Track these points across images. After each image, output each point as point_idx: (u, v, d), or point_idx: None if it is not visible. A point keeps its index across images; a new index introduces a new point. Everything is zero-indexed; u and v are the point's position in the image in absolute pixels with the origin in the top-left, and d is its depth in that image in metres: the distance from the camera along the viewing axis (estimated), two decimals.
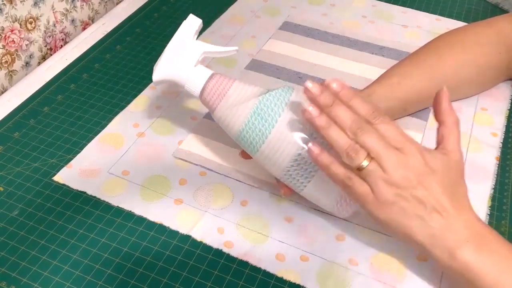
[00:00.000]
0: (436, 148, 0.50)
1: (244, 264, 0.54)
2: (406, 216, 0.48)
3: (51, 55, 0.83)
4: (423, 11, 0.91)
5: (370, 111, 0.49)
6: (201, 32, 0.62)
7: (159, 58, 0.59)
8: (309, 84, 0.49)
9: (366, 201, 0.49)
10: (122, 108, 0.71)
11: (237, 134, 0.55)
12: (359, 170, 0.48)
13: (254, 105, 0.53)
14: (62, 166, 0.63)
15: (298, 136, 0.52)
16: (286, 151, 0.52)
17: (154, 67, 0.59)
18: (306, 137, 0.52)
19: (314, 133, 0.52)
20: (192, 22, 0.58)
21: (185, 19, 0.59)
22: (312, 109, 0.48)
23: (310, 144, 0.50)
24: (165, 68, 0.58)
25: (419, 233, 0.48)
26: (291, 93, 0.54)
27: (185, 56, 0.57)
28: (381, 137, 0.48)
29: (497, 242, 0.48)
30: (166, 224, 0.57)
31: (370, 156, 0.47)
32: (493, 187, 0.62)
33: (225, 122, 0.55)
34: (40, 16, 0.80)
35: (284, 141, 0.52)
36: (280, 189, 0.58)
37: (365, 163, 0.47)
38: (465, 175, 0.50)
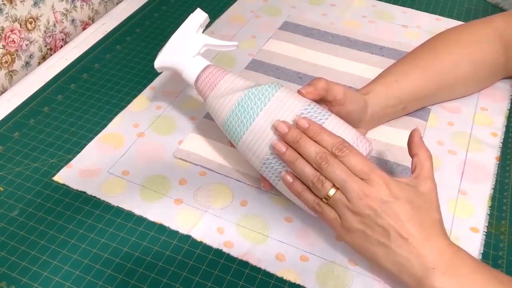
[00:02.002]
0: (409, 176, 0.52)
1: (244, 264, 0.54)
2: (371, 243, 0.49)
3: (51, 55, 0.83)
4: (423, 11, 0.91)
5: (336, 144, 0.50)
6: (202, 31, 0.63)
7: (163, 46, 0.62)
8: (277, 123, 0.52)
9: (334, 226, 0.51)
10: (122, 108, 0.71)
11: (223, 123, 0.57)
12: (326, 199, 0.50)
13: (239, 97, 0.55)
14: (62, 166, 0.63)
15: (275, 132, 0.53)
16: (263, 144, 0.54)
17: (157, 54, 0.62)
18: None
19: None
20: (198, 16, 0.62)
21: (191, 13, 0.62)
22: (280, 145, 0.52)
23: (283, 173, 0.53)
24: (167, 55, 0.62)
25: (385, 260, 0.49)
26: (277, 89, 0.55)
27: (186, 46, 0.61)
28: (345, 168, 0.49)
29: (468, 267, 0.47)
30: (166, 224, 0.57)
31: (336, 186, 0.50)
32: (493, 187, 0.62)
33: (213, 111, 0.58)
34: (40, 16, 0.80)
35: (262, 134, 0.54)
36: (261, 182, 0.59)
37: (331, 192, 0.50)
38: (439, 202, 0.51)
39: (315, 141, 0.51)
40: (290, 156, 0.52)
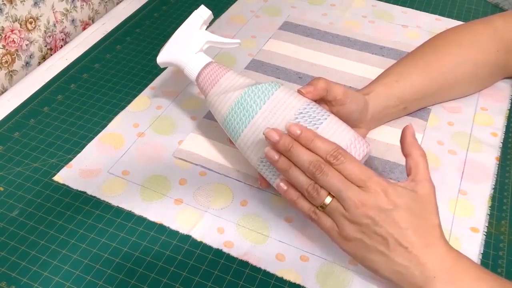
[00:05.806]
0: (405, 180, 0.50)
1: (244, 264, 0.54)
2: (370, 252, 0.48)
3: (51, 55, 0.83)
4: (423, 11, 0.91)
5: (330, 151, 0.48)
6: (206, 28, 0.63)
7: (166, 42, 0.62)
8: (267, 131, 0.50)
9: (331, 234, 0.50)
10: (122, 108, 0.71)
11: (222, 120, 0.57)
12: (322, 208, 0.49)
13: (239, 94, 0.56)
14: (62, 166, 0.63)
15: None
16: (261, 142, 0.54)
17: (160, 49, 0.63)
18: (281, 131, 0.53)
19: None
20: (202, 13, 0.62)
21: (193, 12, 0.62)
22: (272, 153, 0.50)
23: (277, 181, 0.52)
24: (169, 51, 0.62)
25: (384, 268, 0.48)
26: (277, 88, 0.55)
27: (189, 42, 0.61)
28: (340, 176, 0.48)
29: (469, 275, 0.47)
30: (166, 224, 0.57)
31: (332, 194, 0.48)
32: (493, 187, 0.62)
33: (213, 107, 0.58)
34: (40, 16, 0.80)
35: (260, 132, 0.54)
36: (258, 180, 0.59)
37: (327, 200, 0.48)
38: (437, 207, 0.49)
39: (308, 149, 0.49)
40: (283, 165, 0.50)
